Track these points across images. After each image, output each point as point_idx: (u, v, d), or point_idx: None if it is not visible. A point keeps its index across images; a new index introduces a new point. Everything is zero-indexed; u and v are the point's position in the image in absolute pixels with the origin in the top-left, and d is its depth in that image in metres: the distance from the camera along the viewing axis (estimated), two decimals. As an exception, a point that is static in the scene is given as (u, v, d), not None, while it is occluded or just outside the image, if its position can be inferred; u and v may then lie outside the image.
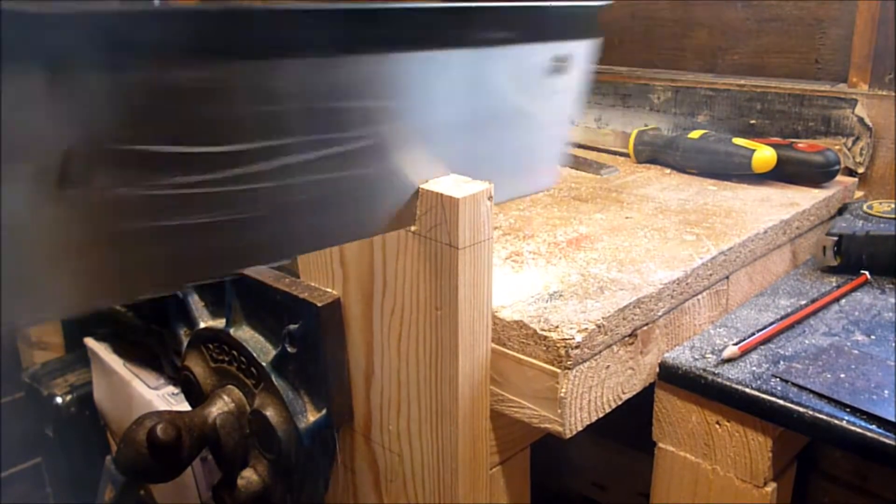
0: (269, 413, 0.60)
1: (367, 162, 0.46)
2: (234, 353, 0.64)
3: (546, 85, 0.53)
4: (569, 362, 0.50)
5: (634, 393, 0.59)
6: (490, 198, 0.49)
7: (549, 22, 0.51)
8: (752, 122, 0.97)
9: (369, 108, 0.45)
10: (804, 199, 0.79)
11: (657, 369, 0.60)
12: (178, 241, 0.40)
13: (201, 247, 0.41)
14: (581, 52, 0.54)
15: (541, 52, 0.52)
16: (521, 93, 0.52)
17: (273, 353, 0.61)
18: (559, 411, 0.51)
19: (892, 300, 0.68)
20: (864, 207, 0.79)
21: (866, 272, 0.71)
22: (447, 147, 0.50)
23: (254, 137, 0.40)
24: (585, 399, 0.53)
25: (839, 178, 0.85)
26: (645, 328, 0.58)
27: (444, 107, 0.49)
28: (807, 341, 0.61)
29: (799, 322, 0.64)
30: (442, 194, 0.48)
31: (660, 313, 0.59)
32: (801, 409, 0.52)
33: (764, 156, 0.82)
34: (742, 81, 0.98)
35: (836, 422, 0.51)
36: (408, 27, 0.44)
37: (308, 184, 0.44)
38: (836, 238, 0.73)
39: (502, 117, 0.53)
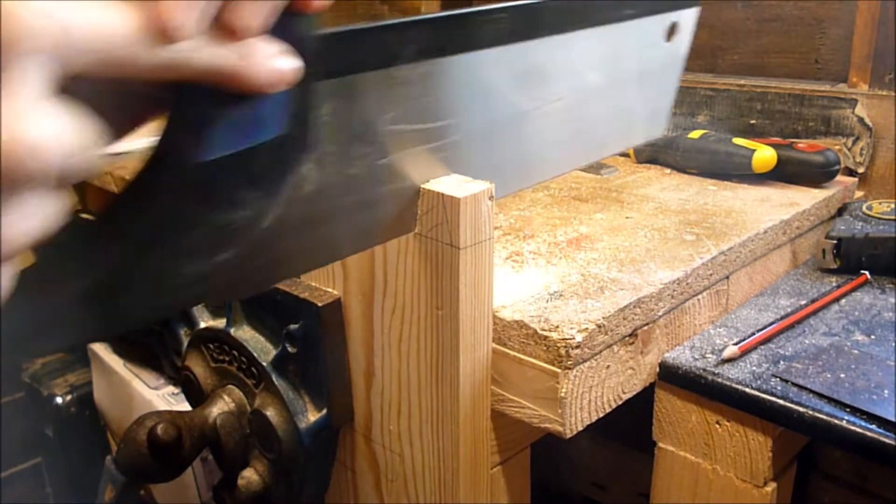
0: (270, 413, 0.60)
1: (566, 117, 0.57)
2: (235, 353, 0.64)
3: (662, 48, 0.63)
4: (569, 362, 0.50)
5: (634, 393, 0.59)
6: (491, 197, 0.49)
7: None
8: (752, 122, 0.97)
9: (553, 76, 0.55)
10: (804, 199, 0.79)
11: (657, 369, 0.60)
12: (388, 205, 0.47)
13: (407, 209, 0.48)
14: (687, 19, 0.64)
15: (660, 22, 0.62)
16: (643, 56, 0.62)
17: (273, 353, 0.61)
18: (559, 411, 0.51)
19: (892, 300, 0.68)
20: (864, 208, 0.79)
21: (866, 272, 0.71)
22: (589, 107, 0.59)
23: (447, 116, 0.48)
24: (586, 399, 0.53)
25: (839, 178, 0.85)
26: (645, 328, 0.58)
27: (588, 73, 0.58)
28: (807, 341, 0.61)
29: (799, 322, 0.64)
30: (443, 194, 0.48)
31: (660, 313, 0.59)
32: (801, 409, 0.52)
33: (764, 156, 0.82)
34: (742, 81, 0.98)
35: (836, 422, 0.51)
36: (566, 12, 0.53)
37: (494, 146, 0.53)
38: (835, 241, 0.73)
39: (629, 78, 0.62)
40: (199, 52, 0.28)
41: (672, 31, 0.62)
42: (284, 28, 0.32)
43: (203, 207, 0.35)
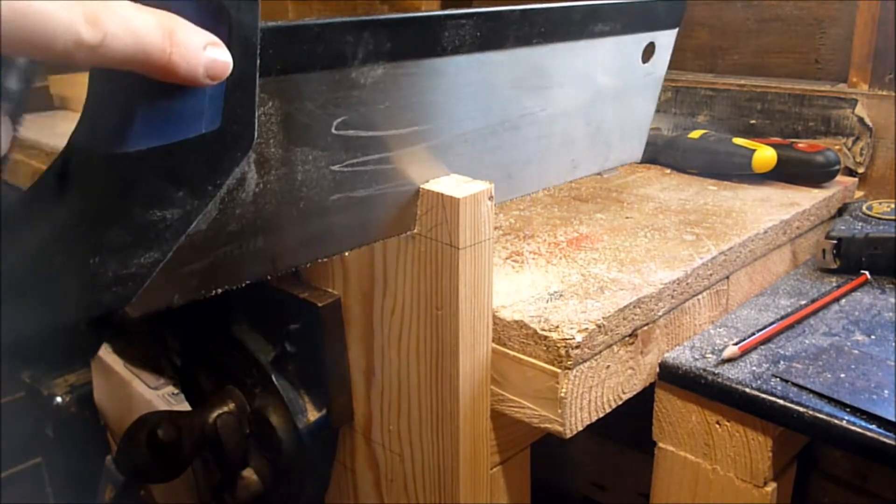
0: (270, 413, 0.60)
1: (531, 134, 0.56)
2: (235, 352, 0.64)
3: (639, 69, 0.61)
4: (569, 362, 0.50)
5: (634, 393, 0.59)
6: (491, 198, 0.49)
7: (642, 14, 0.59)
8: (753, 122, 0.97)
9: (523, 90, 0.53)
10: (804, 199, 0.79)
11: (657, 369, 0.60)
12: (341, 214, 0.45)
13: (360, 218, 0.46)
14: (666, 40, 0.61)
15: (636, 42, 0.59)
16: (618, 76, 0.60)
17: (273, 352, 0.61)
18: (559, 411, 0.51)
19: (892, 300, 0.68)
20: (864, 208, 0.79)
21: (866, 272, 0.71)
22: (557, 126, 0.57)
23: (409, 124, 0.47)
24: (586, 399, 0.53)
25: (839, 178, 0.85)
26: (645, 328, 0.58)
27: (558, 90, 0.56)
28: (807, 341, 0.61)
29: (799, 322, 0.64)
30: (443, 194, 0.48)
31: (660, 313, 0.59)
32: (801, 409, 0.52)
33: (764, 156, 0.82)
34: (742, 81, 0.98)
35: (836, 422, 0.51)
36: (534, 25, 0.51)
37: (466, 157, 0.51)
38: (835, 241, 0.73)
39: (601, 98, 0.60)
40: (125, 37, 0.27)
41: (649, 52, 0.60)
42: (221, 18, 0.31)
43: (122, 203, 0.32)
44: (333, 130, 0.42)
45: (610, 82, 0.60)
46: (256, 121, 0.35)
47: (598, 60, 0.57)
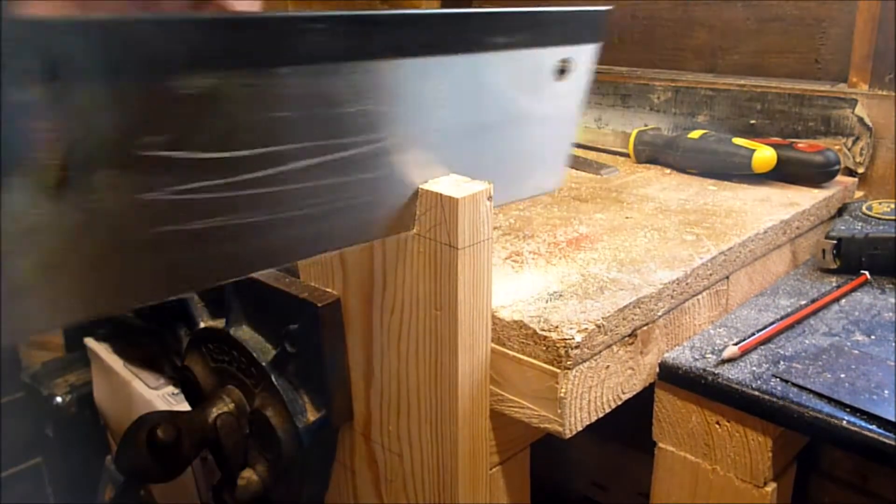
0: (269, 413, 0.60)
1: (369, 167, 0.46)
2: (234, 353, 0.64)
3: (551, 88, 0.54)
4: (568, 362, 0.50)
5: (634, 393, 0.59)
6: (490, 198, 0.49)
7: (553, 26, 0.52)
8: (752, 122, 0.97)
9: (378, 112, 0.44)
10: (804, 199, 0.79)
11: (657, 369, 0.60)
12: (177, 248, 0.39)
13: (201, 253, 0.41)
14: (585, 56, 0.55)
15: (546, 57, 0.52)
16: (526, 96, 0.53)
17: (273, 353, 0.61)
18: (559, 411, 0.51)
19: (892, 300, 0.68)
20: (864, 208, 0.79)
21: (866, 272, 0.71)
22: (451, 150, 0.51)
23: (255, 144, 0.40)
24: (585, 399, 0.53)
25: (839, 178, 0.85)
26: (645, 328, 0.58)
27: (448, 111, 0.49)
28: (807, 341, 0.61)
29: (799, 322, 0.64)
30: (441, 194, 0.48)
31: (660, 313, 0.59)
32: (801, 409, 0.52)
33: (764, 156, 0.82)
34: (742, 81, 0.98)
35: (836, 422, 0.51)
36: (412, 33, 0.44)
37: (309, 189, 0.43)
38: (835, 241, 0.73)
39: (508, 120, 0.53)
40: None
41: (564, 68, 0.53)
42: None
43: None
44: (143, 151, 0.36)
45: (514, 103, 0.53)
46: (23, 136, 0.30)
47: (495, 77, 0.50)
